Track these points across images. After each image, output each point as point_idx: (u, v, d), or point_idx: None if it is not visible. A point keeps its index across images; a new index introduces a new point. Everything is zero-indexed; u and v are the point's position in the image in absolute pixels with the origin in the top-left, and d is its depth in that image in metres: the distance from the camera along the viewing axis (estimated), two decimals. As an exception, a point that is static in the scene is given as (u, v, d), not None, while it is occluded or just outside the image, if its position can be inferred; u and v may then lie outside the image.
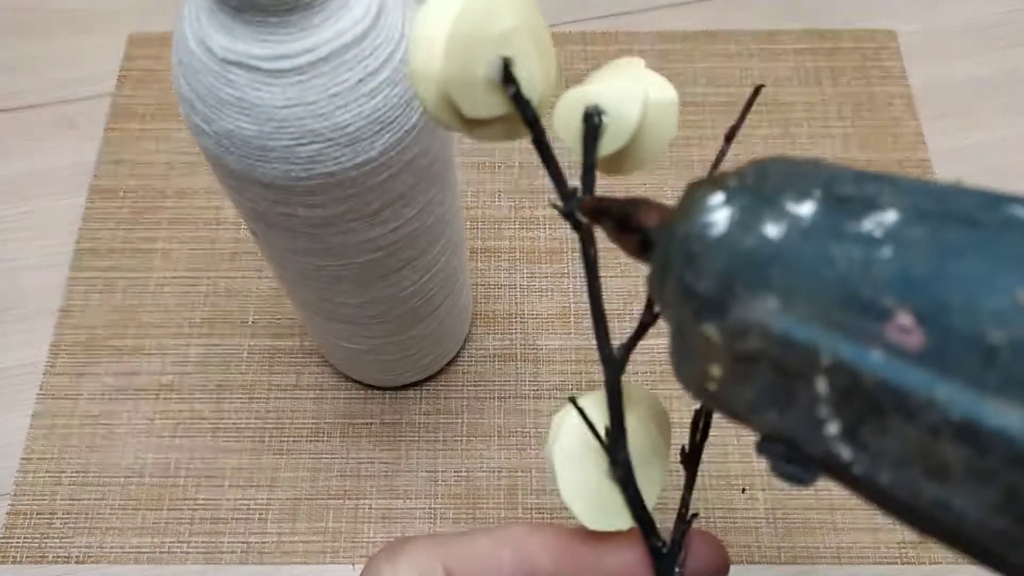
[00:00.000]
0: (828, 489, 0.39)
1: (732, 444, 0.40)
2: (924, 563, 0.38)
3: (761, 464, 0.40)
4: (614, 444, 0.17)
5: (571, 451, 0.18)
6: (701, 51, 0.51)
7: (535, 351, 0.43)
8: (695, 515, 0.19)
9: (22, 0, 0.53)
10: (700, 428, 0.19)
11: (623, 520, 0.18)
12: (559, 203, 0.16)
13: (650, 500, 0.18)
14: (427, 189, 0.28)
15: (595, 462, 0.18)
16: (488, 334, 0.43)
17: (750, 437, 0.41)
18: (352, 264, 0.30)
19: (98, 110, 0.49)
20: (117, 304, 0.44)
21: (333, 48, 0.23)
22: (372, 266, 0.30)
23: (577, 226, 0.16)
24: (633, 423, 0.18)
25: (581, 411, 0.17)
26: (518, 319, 0.43)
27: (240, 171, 0.25)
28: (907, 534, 0.39)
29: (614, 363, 0.17)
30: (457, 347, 0.42)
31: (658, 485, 0.19)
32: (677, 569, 0.18)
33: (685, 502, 0.19)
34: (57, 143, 0.49)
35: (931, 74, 0.50)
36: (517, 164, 0.48)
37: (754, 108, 0.49)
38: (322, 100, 0.23)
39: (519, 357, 0.43)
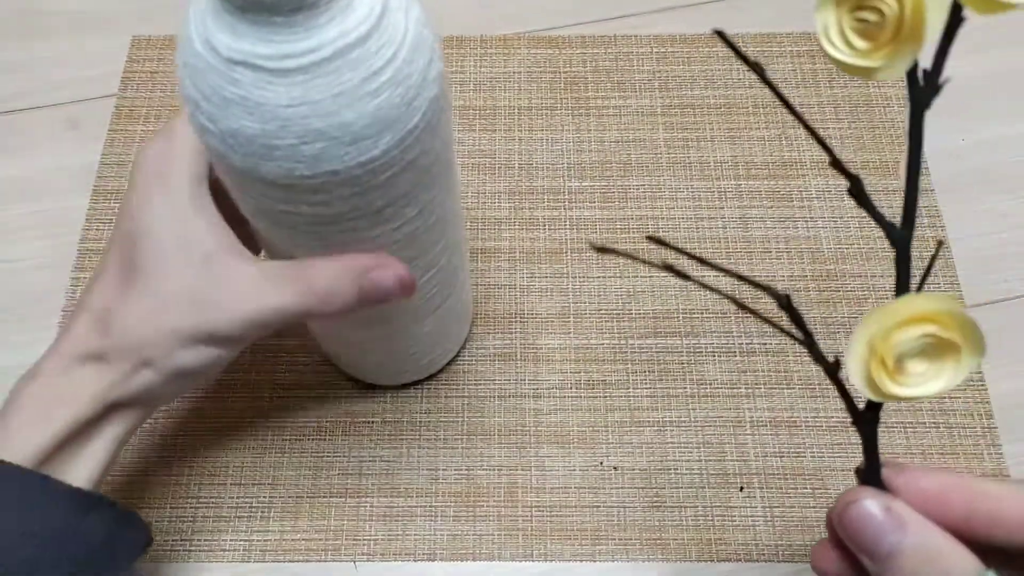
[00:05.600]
0: (825, 488, 0.40)
1: (729, 443, 0.41)
2: (921, 560, 0.38)
3: (759, 463, 0.40)
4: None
5: None
6: (699, 54, 0.51)
7: (535, 351, 0.43)
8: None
9: (26, 2, 0.53)
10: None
11: None
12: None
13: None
14: (429, 188, 0.29)
15: None
16: (488, 334, 0.43)
17: (748, 436, 0.41)
18: (354, 262, 0.30)
19: (101, 111, 0.50)
20: (120, 304, 0.44)
21: (337, 48, 0.23)
22: (374, 264, 0.30)
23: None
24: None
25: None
26: (518, 319, 0.44)
27: (244, 169, 0.25)
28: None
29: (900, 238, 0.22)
30: (458, 346, 0.42)
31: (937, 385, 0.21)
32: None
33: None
34: (60, 144, 0.49)
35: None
36: (517, 166, 0.48)
37: (751, 110, 0.49)
38: (326, 99, 0.23)
39: (519, 357, 0.43)
